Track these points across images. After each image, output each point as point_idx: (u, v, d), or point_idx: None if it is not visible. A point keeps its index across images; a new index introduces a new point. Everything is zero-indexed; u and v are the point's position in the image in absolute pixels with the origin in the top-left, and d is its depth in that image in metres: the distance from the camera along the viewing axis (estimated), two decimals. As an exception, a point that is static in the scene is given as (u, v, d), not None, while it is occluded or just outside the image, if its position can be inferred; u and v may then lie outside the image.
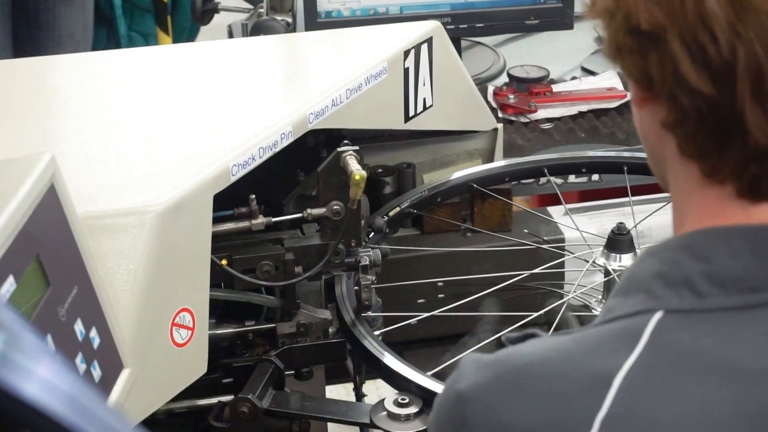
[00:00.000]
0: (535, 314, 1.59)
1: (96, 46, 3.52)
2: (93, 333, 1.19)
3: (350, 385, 1.87)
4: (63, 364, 0.66)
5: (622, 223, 1.62)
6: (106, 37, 3.63)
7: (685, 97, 0.90)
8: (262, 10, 2.53)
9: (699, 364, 0.88)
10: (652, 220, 1.86)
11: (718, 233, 0.93)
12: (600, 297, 1.63)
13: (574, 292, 1.59)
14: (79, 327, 1.17)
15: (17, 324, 0.65)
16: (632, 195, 1.86)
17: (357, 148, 1.57)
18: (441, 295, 1.84)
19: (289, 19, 2.48)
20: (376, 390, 2.28)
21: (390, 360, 1.49)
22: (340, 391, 2.21)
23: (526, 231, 1.93)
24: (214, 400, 1.54)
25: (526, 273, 1.68)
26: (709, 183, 0.94)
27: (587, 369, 0.90)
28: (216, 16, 2.72)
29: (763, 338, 0.89)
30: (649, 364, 0.88)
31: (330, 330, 1.61)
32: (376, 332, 1.57)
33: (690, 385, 0.87)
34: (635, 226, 1.77)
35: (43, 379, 0.63)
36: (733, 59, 0.87)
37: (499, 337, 1.56)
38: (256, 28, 2.43)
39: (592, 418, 0.87)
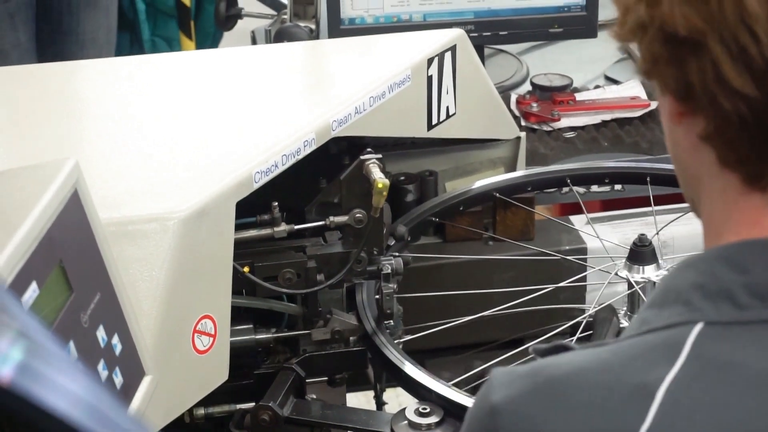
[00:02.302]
0: (561, 326, 1.58)
1: (119, 51, 3.53)
2: (115, 339, 1.19)
3: (371, 393, 1.87)
4: (85, 373, 0.66)
5: (643, 234, 1.61)
6: (129, 41, 3.64)
7: (727, 102, 0.89)
8: (285, 17, 2.53)
9: (740, 377, 0.87)
10: (676, 230, 1.85)
11: (756, 245, 0.92)
12: (624, 309, 1.61)
13: (595, 307, 1.58)
14: (101, 333, 1.17)
15: (39, 332, 0.65)
16: (655, 204, 1.86)
17: (380, 156, 1.57)
18: (463, 305, 1.83)
19: (313, 26, 2.48)
20: (396, 398, 2.27)
21: (410, 369, 1.48)
22: (360, 399, 2.20)
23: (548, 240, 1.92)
24: (234, 407, 1.54)
25: (550, 287, 1.67)
26: (750, 191, 0.93)
27: (628, 380, 0.89)
28: (239, 21, 2.73)
29: None
30: (691, 376, 0.88)
31: (351, 338, 1.60)
32: (397, 341, 1.57)
33: (732, 398, 0.87)
34: (656, 234, 1.76)
35: (64, 388, 0.63)
36: None
37: (526, 348, 1.56)
38: (280, 35, 2.44)
39: (635, 430, 0.86)
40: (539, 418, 0.90)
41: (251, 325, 1.57)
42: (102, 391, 0.65)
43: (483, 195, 1.90)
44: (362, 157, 1.56)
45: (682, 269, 0.95)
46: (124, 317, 1.22)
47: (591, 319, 1.57)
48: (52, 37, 3.27)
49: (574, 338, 1.54)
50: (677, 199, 1.80)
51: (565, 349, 0.98)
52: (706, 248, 0.97)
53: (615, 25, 0.99)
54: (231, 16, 2.66)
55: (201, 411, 1.54)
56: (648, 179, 1.85)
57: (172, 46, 3.67)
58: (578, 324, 1.57)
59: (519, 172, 1.96)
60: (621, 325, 1.57)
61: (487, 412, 0.93)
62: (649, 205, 1.87)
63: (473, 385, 1.54)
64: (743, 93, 0.88)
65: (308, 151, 1.55)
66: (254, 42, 2.74)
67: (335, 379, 1.63)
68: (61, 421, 0.62)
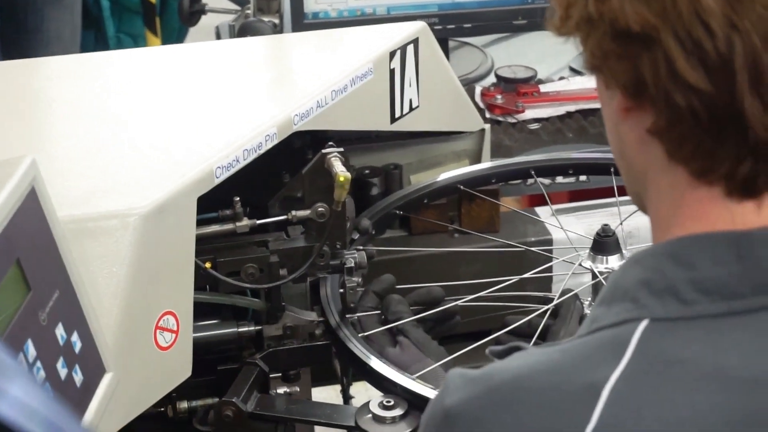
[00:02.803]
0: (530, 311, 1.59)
1: (84, 48, 3.52)
2: (74, 337, 1.19)
3: (338, 387, 1.86)
4: (36, 383, 0.65)
5: (606, 224, 1.61)
6: (94, 38, 3.62)
7: (680, 97, 0.89)
8: (249, 11, 2.52)
9: (687, 372, 0.88)
10: (640, 220, 1.85)
11: (701, 240, 0.92)
12: (589, 300, 1.62)
13: (559, 298, 1.58)
14: (60, 331, 1.16)
15: None
16: (619, 195, 1.86)
17: (342, 149, 1.56)
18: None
19: (276, 20, 2.47)
20: (366, 392, 2.27)
21: (374, 362, 1.48)
22: (329, 393, 2.20)
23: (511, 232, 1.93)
24: (198, 403, 1.54)
25: (515, 278, 1.67)
26: (697, 185, 0.93)
27: (576, 380, 0.89)
28: (204, 17, 2.72)
29: (750, 345, 0.89)
30: (637, 373, 0.88)
31: (316, 332, 1.60)
32: (362, 334, 1.57)
33: (679, 394, 0.87)
34: (620, 224, 1.76)
35: (15, 398, 0.62)
36: (730, 53, 0.87)
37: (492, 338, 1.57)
38: (243, 29, 2.43)
39: (581, 429, 0.87)
40: (491, 421, 0.91)
41: (212, 322, 1.56)
42: (55, 403, 0.65)
43: (447, 187, 1.90)
44: (324, 151, 1.56)
45: (630, 266, 0.95)
46: (83, 315, 1.21)
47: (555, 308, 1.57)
48: (17, 35, 3.25)
49: (534, 337, 1.54)
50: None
51: (520, 349, 0.99)
52: (654, 243, 0.97)
53: (555, 20, 0.98)
54: (195, 12, 2.65)
55: (184, 405, 1.54)
56: (612, 170, 1.85)
57: (138, 42, 3.65)
58: (542, 315, 1.56)
59: (483, 164, 1.97)
60: (585, 312, 1.58)
61: (442, 415, 0.94)
62: (614, 196, 1.87)
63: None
64: (697, 88, 0.88)
65: (270, 145, 1.54)
66: (219, 37, 2.73)
67: (289, 375, 1.62)
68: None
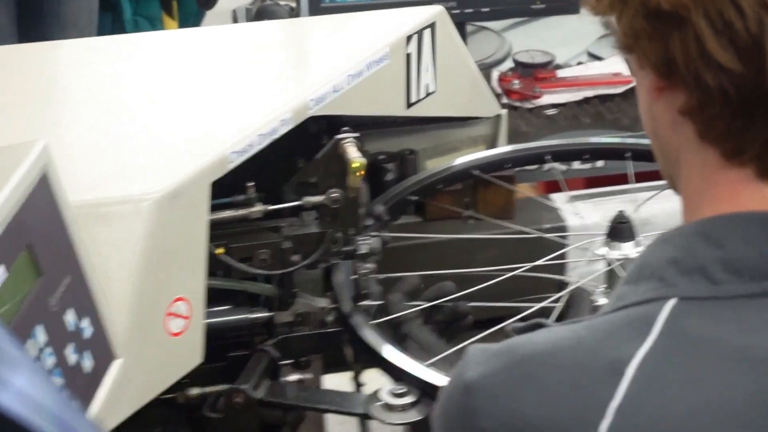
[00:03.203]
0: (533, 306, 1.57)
1: (101, 32, 3.51)
2: (85, 323, 1.18)
3: (349, 374, 1.86)
4: (43, 374, 0.64)
5: (621, 211, 1.60)
6: (111, 21, 3.61)
7: (710, 77, 0.88)
8: (266, -5, 2.52)
9: (715, 352, 0.87)
10: (657, 207, 1.84)
11: (732, 219, 0.92)
12: (603, 287, 1.61)
13: (576, 284, 1.57)
14: (70, 317, 1.16)
15: None
16: (636, 182, 1.85)
17: (357, 135, 1.55)
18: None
19: (293, 4, 2.47)
20: (378, 379, 2.27)
21: (386, 350, 1.47)
22: (340, 380, 2.20)
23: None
24: (208, 390, 1.53)
25: (529, 265, 1.66)
26: (729, 166, 0.93)
27: (601, 357, 0.88)
28: (221, 0, 2.72)
29: None
30: (664, 351, 0.87)
31: (328, 319, 1.59)
32: (375, 321, 1.56)
33: (706, 373, 0.86)
34: (635, 211, 1.75)
35: (19, 389, 0.61)
36: (761, 33, 0.86)
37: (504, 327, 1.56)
38: (260, 13, 2.43)
39: (605, 406, 0.86)
40: (512, 396, 0.90)
41: (224, 308, 1.56)
42: (62, 396, 0.64)
43: (462, 173, 1.89)
44: (338, 137, 1.55)
45: (659, 244, 0.95)
46: (94, 301, 1.21)
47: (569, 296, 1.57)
48: (33, 19, 3.24)
49: (553, 316, 1.53)
50: (658, 176, 1.79)
51: (542, 327, 0.98)
52: (684, 223, 0.97)
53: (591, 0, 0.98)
54: (212, -5, 2.65)
55: (195, 391, 1.52)
56: (629, 155, 1.84)
57: (155, 25, 3.65)
58: (556, 301, 1.56)
59: (498, 149, 1.95)
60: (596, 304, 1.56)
61: (462, 389, 0.93)
62: (632, 183, 1.86)
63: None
64: (727, 68, 0.88)
65: (284, 130, 1.53)
66: (235, 21, 2.73)
67: (300, 362, 1.62)
68: (16, 425, 0.61)
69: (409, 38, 1.79)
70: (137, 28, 3.61)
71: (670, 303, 0.89)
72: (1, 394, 0.60)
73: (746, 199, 0.92)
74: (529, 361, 0.91)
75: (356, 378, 1.75)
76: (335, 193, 1.55)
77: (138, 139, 1.47)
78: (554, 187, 2.24)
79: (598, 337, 0.90)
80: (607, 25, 1.00)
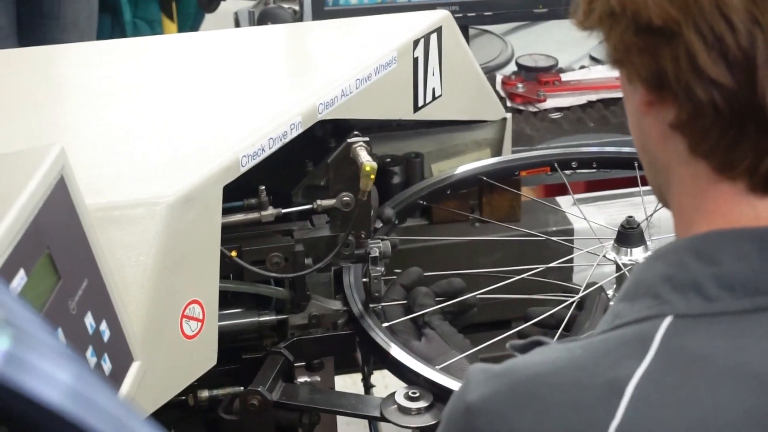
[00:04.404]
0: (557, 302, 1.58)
1: (101, 34, 3.52)
2: (103, 326, 1.19)
3: (357, 376, 1.86)
4: (74, 359, 0.64)
5: (631, 216, 1.61)
6: (110, 24, 3.62)
7: (701, 92, 0.89)
8: (269, -2, 2.52)
9: (711, 369, 0.88)
10: (663, 211, 1.85)
11: (725, 235, 0.92)
12: (612, 292, 1.61)
13: (584, 290, 1.58)
14: (89, 320, 1.16)
15: (26, 319, 0.64)
16: (643, 185, 1.85)
17: (367, 138, 1.56)
18: None
19: (296, 7, 2.47)
20: (383, 379, 2.27)
21: (398, 353, 1.48)
22: (346, 381, 2.20)
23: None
24: (223, 392, 1.54)
25: (537, 268, 1.67)
26: (720, 180, 0.93)
27: (599, 377, 0.89)
28: (222, 3, 2.72)
29: None
30: (661, 370, 0.88)
31: (339, 321, 1.60)
32: (385, 324, 1.57)
33: (702, 390, 0.87)
34: (647, 219, 1.75)
35: (52, 377, 0.62)
36: (751, 47, 0.87)
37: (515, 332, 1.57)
38: (264, 16, 2.43)
39: (605, 426, 0.87)
40: (514, 417, 0.91)
41: (236, 311, 1.56)
42: (91, 377, 0.64)
43: (470, 178, 1.89)
44: (349, 140, 1.55)
45: (653, 261, 0.95)
46: (111, 303, 1.21)
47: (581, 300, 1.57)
48: (33, 21, 3.25)
49: (559, 329, 1.53)
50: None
51: (542, 344, 0.99)
52: (676, 237, 0.97)
53: (578, 14, 0.98)
54: (214, -1, 2.65)
55: (205, 393, 1.53)
56: (636, 164, 1.84)
57: (154, 27, 3.65)
58: (567, 307, 1.56)
59: (507, 156, 1.96)
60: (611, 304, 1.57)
61: (463, 411, 0.94)
62: (634, 185, 1.87)
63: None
64: (718, 82, 0.88)
65: (295, 134, 1.54)
66: (237, 23, 2.73)
67: (313, 364, 1.62)
68: (49, 411, 0.61)
69: (416, 42, 1.80)
70: (136, 30, 3.61)
71: (666, 321, 0.90)
72: (50, 391, 0.60)
73: (738, 213, 0.93)
74: (528, 382, 0.92)
75: (366, 380, 1.75)
76: (347, 197, 1.56)
77: (150, 143, 1.48)
78: (556, 189, 2.25)
79: (595, 358, 0.91)
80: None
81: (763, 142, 0.90)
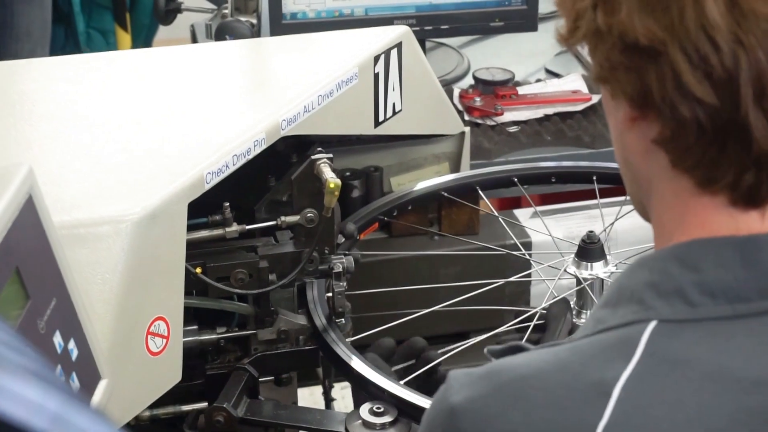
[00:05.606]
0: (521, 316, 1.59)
1: (54, 44, 3.50)
2: (71, 345, 1.19)
3: (316, 388, 1.87)
4: (45, 376, 0.64)
5: (592, 231, 1.62)
6: (64, 34, 3.60)
7: (685, 109, 0.91)
8: (226, 11, 2.52)
9: (694, 373, 0.90)
10: (618, 224, 1.87)
11: (707, 244, 0.94)
12: (573, 306, 1.63)
13: (547, 301, 1.59)
14: (57, 339, 1.16)
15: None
16: (601, 197, 1.87)
17: (331, 155, 1.57)
18: (410, 300, 1.84)
19: (254, 21, 2.47)
20: (341, 390, 2.28)
21: (362, 368, 1.49)
22: (304, 393, 2.21)
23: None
24: (187, 408, 1.54)
25: (501, 281, 1.68)
26: (701, 194, 0.95)
27: (585, 378, 0.91)
28: (178, 14, 2.72)
29: (754, 347, 0.91)
30: (646, 373, 0.90)
31: (300, 337, 1.60)
32: (348, 339, 1.58)
33: (686, 393, 0.89)
34: (605, 230, 1.77)
35: (21, 396, 0.61)
36: (735, 67, 0.89)
37: (473, 343, 1.58)
38: (221, 30, 2.43)
39: (593, 427, 0.88)
40: (500, 418, 0.92)
41: (196, 327, 1.56)
42: (64, 393, 0.64)
43: (431, 195, 1.90)
44: (313, 157, 1.56)
45: (635, 269, 0.97)
46: (79, 322, 1.21)
47: (544, 311, 1.59)
48: (-14, 30, 3.23)
49: (525, 336, 1.55)
50: (619, 192, 1.82)
51: (520, 349, 1.00)
52: (656, 249, 0.99)
53: (563, 31, 1.00)
54: (170, 11, 2.64)
55: (146, 413, 1.53)
56: (594, 178, 1.86)
57: (108, 38, 3.64)
58: (529, 318, 1.58)
59: (467, 172, 1.97)
60: (574, 321, 1.59)
61: (447, 413, 0.94)
62: (590, 198, 1.88)
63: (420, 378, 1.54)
64: (703, 100, 0.90)
65: (258, 150, 1.55)
66: (194, 36, 2.73)
67: (281, 378, 1.63)
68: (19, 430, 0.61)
69: (376, 58, 1.81)
70: (90, 41, 3.60)
71: (651, 326, 0.92)
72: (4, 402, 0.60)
73: (719, 226, 0.95)
74: (514, 383, 0.93)
75: (327, 393, 1.76)
76: (311, 213, 1.57)
77: (114, 161, 1.48)
78: (511, 203, 2.26)
79: (581, 360, 0.93)
80: (571, 49, 1.02)
81: (744, 158, 0.92)
